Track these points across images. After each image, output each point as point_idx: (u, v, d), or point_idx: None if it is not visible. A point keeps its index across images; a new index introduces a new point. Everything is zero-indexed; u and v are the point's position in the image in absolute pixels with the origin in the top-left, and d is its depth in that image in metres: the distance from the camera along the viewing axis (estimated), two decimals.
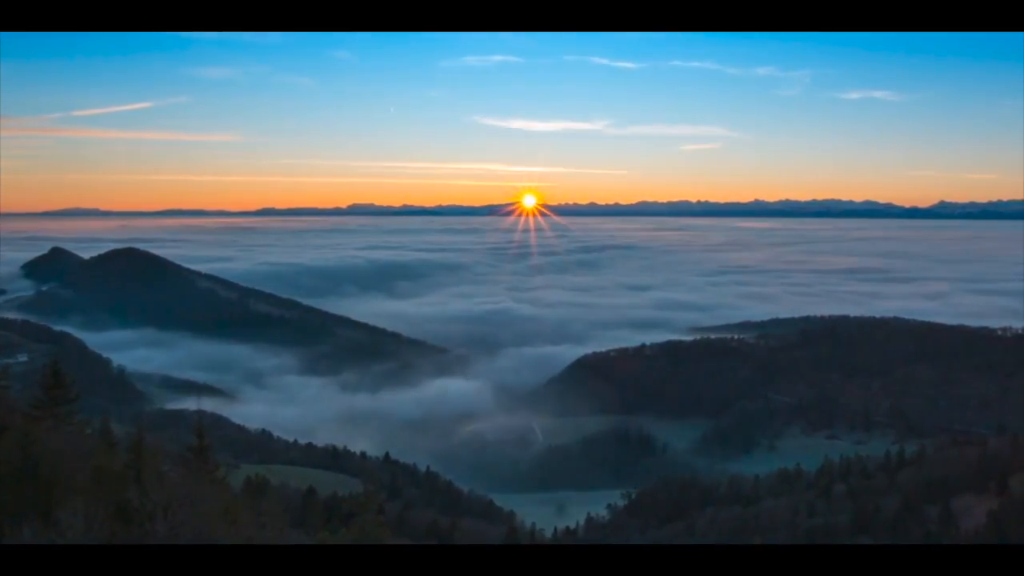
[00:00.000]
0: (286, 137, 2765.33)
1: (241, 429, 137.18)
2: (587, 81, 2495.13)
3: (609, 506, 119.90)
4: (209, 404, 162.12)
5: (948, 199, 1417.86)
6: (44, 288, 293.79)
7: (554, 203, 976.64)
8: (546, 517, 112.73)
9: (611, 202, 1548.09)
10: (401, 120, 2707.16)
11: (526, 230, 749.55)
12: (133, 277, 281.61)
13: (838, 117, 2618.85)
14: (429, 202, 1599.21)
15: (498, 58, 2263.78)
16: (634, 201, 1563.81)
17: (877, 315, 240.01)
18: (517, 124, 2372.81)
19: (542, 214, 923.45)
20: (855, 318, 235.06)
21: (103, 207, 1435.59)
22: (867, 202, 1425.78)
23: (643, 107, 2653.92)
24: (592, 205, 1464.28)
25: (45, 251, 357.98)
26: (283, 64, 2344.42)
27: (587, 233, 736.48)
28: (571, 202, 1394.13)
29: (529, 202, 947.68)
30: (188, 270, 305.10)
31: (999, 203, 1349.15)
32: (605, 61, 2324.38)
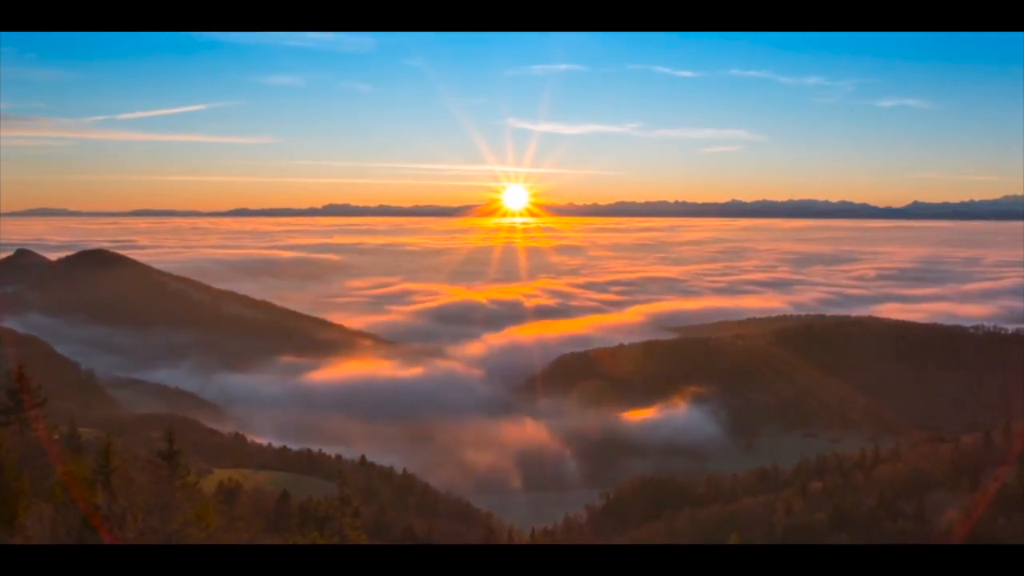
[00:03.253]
0: (316, 139, 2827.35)
1: (214, 433, 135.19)
2: (640, 87, 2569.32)
3: (587, 506, 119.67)
4: (181, 408, 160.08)
5: (922, 199, 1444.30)
6: (9, 290, 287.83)
7: (535, 204, 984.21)
8: (524, 518, 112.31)
9: (589, 203, 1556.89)
10: (428, 123, 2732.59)
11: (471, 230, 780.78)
12: (102, 279, 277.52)
13: (855, 123, 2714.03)
14: (406, 202, 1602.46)
15: (564, 67, 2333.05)
16: (612, 201, 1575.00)
17: (853, 314, 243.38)
18: (547, 127, 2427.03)
19: (513, 215, 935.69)
20: (831, 317, 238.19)
21: (72, 207, 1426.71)
22: (843, 202, 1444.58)
23: (677, 111, 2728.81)
24: (571, 206, 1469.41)
25: (11, 252, 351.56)
26: (347, 72, 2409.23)
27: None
28: (552, 203, 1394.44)
29: (511, 201, 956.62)
30: (160, 271, 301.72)
31: (971, 203, 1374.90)
32: (667, 70, 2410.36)
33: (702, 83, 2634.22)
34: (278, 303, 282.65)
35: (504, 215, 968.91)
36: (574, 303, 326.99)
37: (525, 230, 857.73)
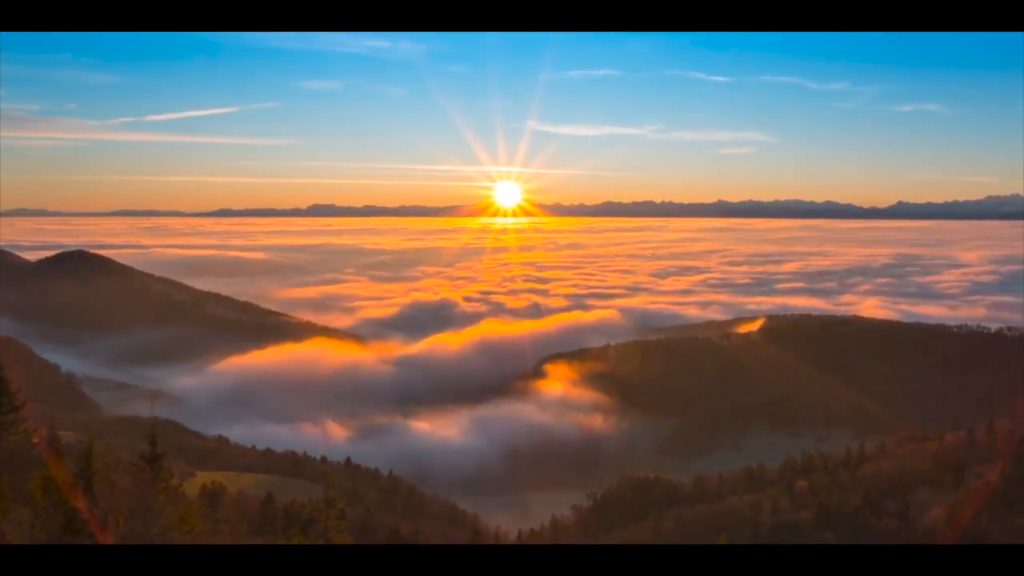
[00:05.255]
0: (335, 141, 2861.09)
1: (197, 435, 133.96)
2: (672, 92, 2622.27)
3: (574, 507, 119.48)
4: (163, 410, 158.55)
5: (906, 199, 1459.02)
6: None
7: (523, 204, 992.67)
8: (510, 519, 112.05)
9: (576, 203, 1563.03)
10: (446, 126, 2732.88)
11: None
12: (82, 280, 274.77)
13: (869, 127, 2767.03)
14: (392, 203, 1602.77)
15: (603, 72, 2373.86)
16: (599, 202, 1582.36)
17: (838, 314, 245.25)
18: (566, 130, 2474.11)
19: (498, 215, 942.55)
20: (816, 316, 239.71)
21: (51, 207, 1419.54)
22: (827, 202, 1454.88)
23: (699, 114, 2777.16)
24: (557, 206, 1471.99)
25: None
26: (388, 77, 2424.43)
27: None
28: (540, 202, 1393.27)
29: (497, 201, 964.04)
30: (141, 273, 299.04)
31: (955, 203, 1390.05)
32: (702, 75, 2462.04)
33: (732, 88, 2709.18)
34: (261, 304, 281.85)
35: (494, 214, 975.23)
36: (548, 303, 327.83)
37: (516, 231, 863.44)
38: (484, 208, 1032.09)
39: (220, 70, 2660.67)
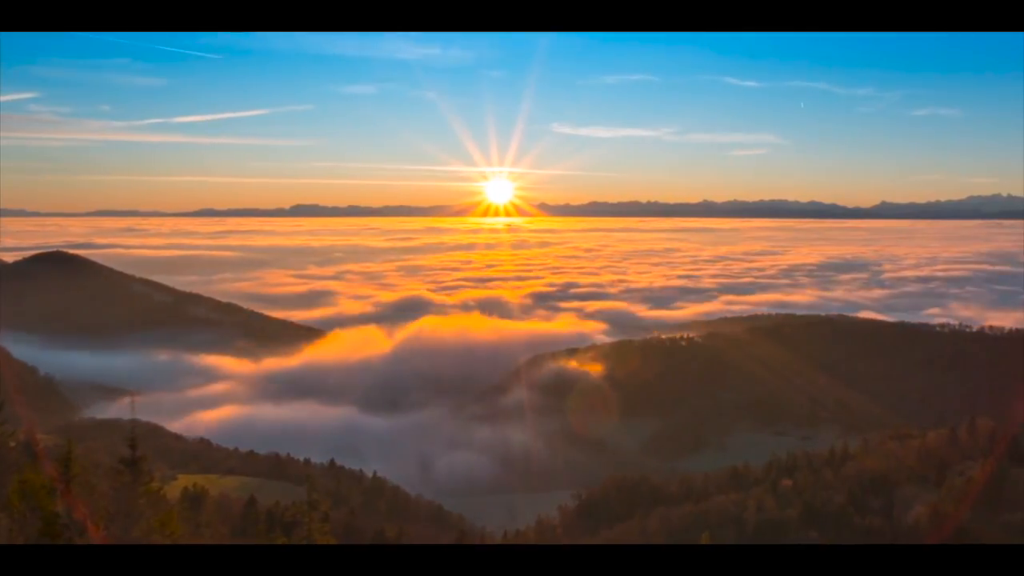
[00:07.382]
0: (344, 142, 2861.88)
1: (178, 438, 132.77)
2: (699, 96, 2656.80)
3: (559, 507, 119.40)
4: (144, 413, 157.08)
5: (890, 200, 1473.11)
6: None
7: (513, 203, 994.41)
8: (496, 520, 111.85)
9: (561, 203, 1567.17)
10: (457, 128, 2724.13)
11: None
12: (61, 281, 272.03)
13: (879, 130, 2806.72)
14: (376, 202, 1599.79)
15: (637, 76, 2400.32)
16: (585, 202, 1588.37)
17: (822, 313, 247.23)
18: (585, 132, 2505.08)
19: (487, 214, 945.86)
20: (801, 316, 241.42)
21: (30, 207, 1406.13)
22: (812, 203, 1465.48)
23: (718, 117, 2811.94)
24: (543, 205, 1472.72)
25: None
26: (429, 83, 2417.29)
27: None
28: (529, 200, 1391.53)
29: (491, 199, 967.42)
30: (120, 274, 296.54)
31: (937, 203, 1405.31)
32: (736, 80, 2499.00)
33: (761, 92, 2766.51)
34: (244, 305, 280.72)
35: (483, 213, 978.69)
36: (535, 304, 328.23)
37: (507, 229, 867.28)
38: (471, 207, 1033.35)
39: (266, 73, 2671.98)
